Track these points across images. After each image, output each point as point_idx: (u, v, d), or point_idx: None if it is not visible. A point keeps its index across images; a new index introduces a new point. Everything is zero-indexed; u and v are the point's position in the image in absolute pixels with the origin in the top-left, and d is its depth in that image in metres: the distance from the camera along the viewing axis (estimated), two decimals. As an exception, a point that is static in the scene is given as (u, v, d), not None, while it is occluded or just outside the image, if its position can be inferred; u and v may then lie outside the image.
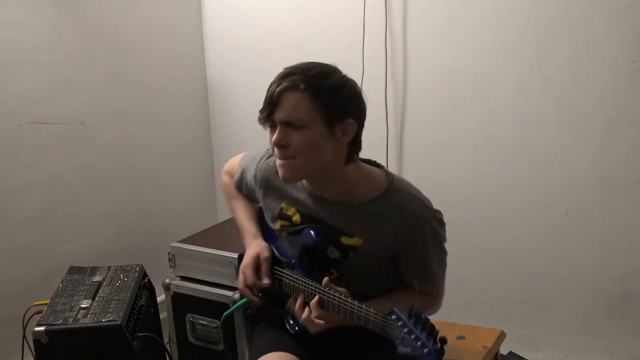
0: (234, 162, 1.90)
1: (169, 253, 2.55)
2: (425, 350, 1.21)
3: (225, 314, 1.89)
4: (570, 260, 2.54)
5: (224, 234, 2.65)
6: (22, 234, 2.42)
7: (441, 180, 2.66)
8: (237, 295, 2.30)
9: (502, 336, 2.13)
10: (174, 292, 2.51)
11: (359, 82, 2.73)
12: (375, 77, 2.72)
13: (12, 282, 2.38)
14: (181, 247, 2.52)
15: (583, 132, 2.44)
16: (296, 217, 1.66)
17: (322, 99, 1.45)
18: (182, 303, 2.50)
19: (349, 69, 2.78)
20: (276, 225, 1.70)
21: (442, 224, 1.61)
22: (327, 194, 1.60)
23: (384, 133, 2.73)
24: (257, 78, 3.04)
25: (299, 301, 1.55)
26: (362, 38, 2.70)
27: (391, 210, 1.55)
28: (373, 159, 1.67)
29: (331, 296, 1.46)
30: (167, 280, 2.53)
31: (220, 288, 2.40)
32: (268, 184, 1.71)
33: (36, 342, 1.80)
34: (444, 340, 1.23)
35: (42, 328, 1.80)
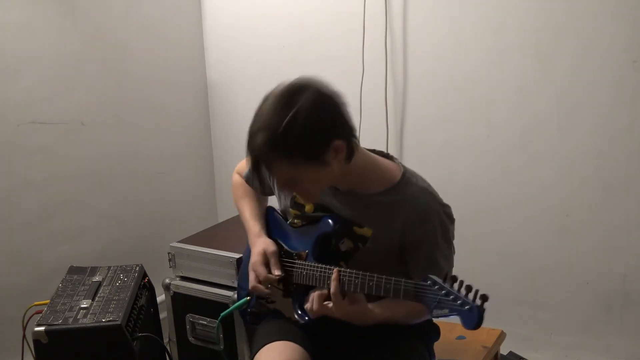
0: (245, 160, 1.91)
1: (169, 253, 2.55)
2: (466, 308, 1.26)
3: (223, 313, 1.88)
4: (570, 260, 2.54)
5: (224, 234, 2.65)
6: (22, 234, 2.42)
7: (441, 180, 2.61)
8: (236, 296, 2.29)
9: (502, 336, 2.13)
10: (174, 292, 2.51)
11: (358, 83, 2.76)
12: (375, 77, 2.72)
13: (12, 282, 2.38)
14: (181, 247, 2.52)
15: (583, 132, 2.43)
16: (309, 206, 1.68)
17: (296, 151, 1.42)
18: (182, 303, 2.50)
19: (349, 69, 2.80)
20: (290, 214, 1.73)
21: (451, 219, 1.63)
22: (339, 186, 1.62)
23: (384, 133, 2.73)
24: (257, 78, 3.06)
25: (318, 292, 1.52)
26: (362, 38, 2.70)
27: (403, 202, 1.57)
28: (385, 152, 1.69)
29: (353, 275, 1.47)
30: (167, 280, 2.53)
31: (220, 288, 2.40)
32: None
33: (36, 342, 1.80)
34: (485, 297, 1.26)
35: (42, 328, 1.80)
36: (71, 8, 2.54)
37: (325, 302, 1.50)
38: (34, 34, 2.41)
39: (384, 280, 1.42)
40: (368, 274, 1.45)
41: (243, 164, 1.92)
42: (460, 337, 2.10)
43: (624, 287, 2.46)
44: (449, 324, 2.12)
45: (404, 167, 1.64)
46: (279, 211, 1.85)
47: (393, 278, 1.41)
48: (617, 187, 2.42)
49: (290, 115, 1.38)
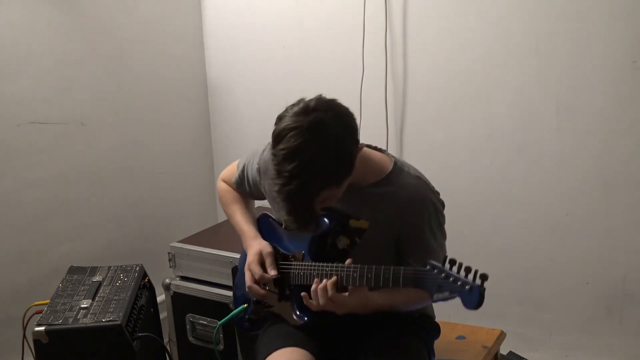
0: (231, 168, 1.91)
1: (169, 253, 2.55)
2: (467, 288, 1.26)
3: (221, 322, 1.87)
4: (570, 260, 2.54)
5: (224, 234, 2.65)
6: (22, 234, 2.42)
7: (441, 180, 2.60)
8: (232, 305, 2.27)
9: (502, 336, 2.13)
10: (174, 292, 2.51)
11: (358, 82, 2.76)
12: (375, 77, 2.72)
13: (12, 282, 2.38)
14: (181, 247, 2.52)
15: (583, 132, 2.43)
16: None
17: (343, 176, 1.46)
18: (182, 303, 2.50)
19: (349, 69, 2.80)
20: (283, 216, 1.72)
21: (443, 205, 1.66)
22: None
23: (383, 133, 2.73)
24: (257, 78, 3.06)
25: (320, 283, 1.51)
26: (362, 38, 2.70)
27: (396, 191, 1.60)
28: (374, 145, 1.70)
29: (351, 269, 1.48)
30: (167, 280, 2.53)
31: (220, 288, 2.40)
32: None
33: (36, 342, 1.80)
34: (485, 277, 1.27)
35: (42, 328, 1.80)
36: (71, 8, 2.54)
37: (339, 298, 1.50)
38: (34, 34, 2.41)
39: (382, 270, 1.44)
40: (366, 265, 1.46)
41: (227, 172, 1.93)
42: (460, 337, 2.10)
43: (624, 287, 2.46)
44: (449, 324, 2.12)
45: (395, 157, 1.67)
46: (273, 217, 1.84)
47: (392, 267, 1.43)
48: (617, 187, 2.42)
49: (331, 149, 1.40)
